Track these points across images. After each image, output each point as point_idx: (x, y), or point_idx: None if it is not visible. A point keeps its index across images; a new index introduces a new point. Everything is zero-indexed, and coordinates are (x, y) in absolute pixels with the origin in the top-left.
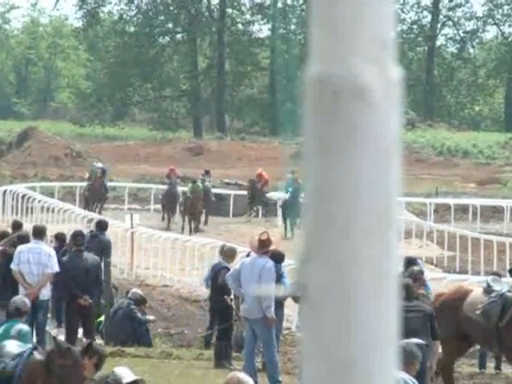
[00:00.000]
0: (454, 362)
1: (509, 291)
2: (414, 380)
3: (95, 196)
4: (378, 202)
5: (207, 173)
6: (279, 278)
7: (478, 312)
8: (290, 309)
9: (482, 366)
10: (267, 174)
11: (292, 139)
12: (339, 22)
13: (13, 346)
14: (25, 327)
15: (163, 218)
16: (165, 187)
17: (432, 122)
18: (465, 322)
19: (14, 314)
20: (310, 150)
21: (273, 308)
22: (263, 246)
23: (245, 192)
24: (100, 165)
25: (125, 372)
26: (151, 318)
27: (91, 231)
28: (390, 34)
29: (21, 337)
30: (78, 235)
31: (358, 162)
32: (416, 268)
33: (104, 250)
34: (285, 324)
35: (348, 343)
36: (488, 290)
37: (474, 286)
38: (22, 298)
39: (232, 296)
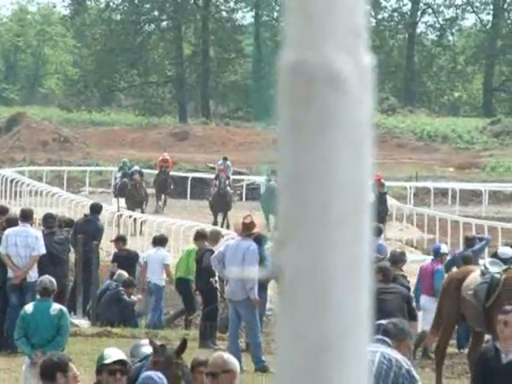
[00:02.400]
0: (449, 341)
1: (498, 273)
2: (408, 361)
3: (137, 201)
4: (352, 186)
5: (274, 172)
6: (262, 261)
7: (469, 292)
8: (274, 290)
9: (461, 346)
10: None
11: (271, 124)
12: (313, 10)
13: (147, 348)
14: (63, 307)
15: (216, 223)
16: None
17: (412, 107)
18: (462, 302)
19: (43, 293)
20: (285, 136)
21: (256, 290)
22: (247, 228)
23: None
24: (137, 167)
25: (114, 352)
26: (136, 298)
27: (85, 215)
28: (363, 22)
29: (62, 316)
30: (48, 218)
31: (331, 148)
32: (398, 250)
33: (95, 234)
34: (268, 305)
35: (322, 326)
36: (484, 272)
37: (477, 268)
38: (48, 278)
39: (216, 278)
